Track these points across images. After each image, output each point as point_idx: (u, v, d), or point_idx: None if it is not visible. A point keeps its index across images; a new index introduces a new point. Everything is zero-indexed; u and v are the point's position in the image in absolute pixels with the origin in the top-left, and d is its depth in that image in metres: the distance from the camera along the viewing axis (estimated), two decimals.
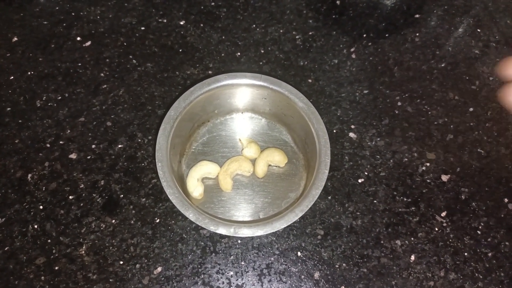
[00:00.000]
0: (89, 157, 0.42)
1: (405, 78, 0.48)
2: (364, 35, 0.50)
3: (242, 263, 0.39)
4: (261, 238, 0.40)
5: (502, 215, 0.41)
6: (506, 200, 0.42)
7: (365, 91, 0.47)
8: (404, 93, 0.47)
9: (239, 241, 0.40)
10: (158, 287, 0.37)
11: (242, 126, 0.44)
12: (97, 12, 0.51)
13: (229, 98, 0.42)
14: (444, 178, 0.43)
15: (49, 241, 0.39)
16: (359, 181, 0.42)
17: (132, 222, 0.40)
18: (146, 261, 0.38)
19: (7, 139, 0.43)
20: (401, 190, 0.42)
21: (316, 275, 0.38)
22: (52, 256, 0.38)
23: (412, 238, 0.40)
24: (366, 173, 0.43)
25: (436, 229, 0.40)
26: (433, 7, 0.53)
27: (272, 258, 0.39)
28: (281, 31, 0.50)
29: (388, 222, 0.41)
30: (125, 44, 0.49)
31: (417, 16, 0.52)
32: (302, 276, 0.38)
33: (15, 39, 0.49)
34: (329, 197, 0.42)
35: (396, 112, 0.46)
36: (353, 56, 0.49)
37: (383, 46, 0.50)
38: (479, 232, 0.41)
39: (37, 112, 0.44)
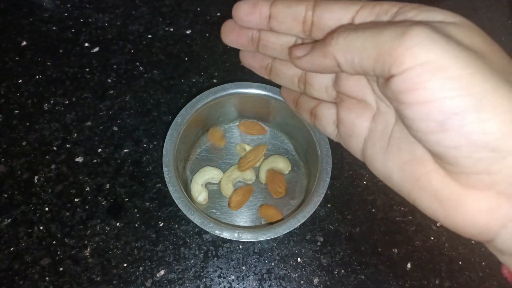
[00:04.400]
0: (95, 161, 0.43)
1: None
2: None
3: (243, 267, 0.40)
4: (262, 244, 0.41)
5: None
6: None
7: None
8: None
9: (240, 246, 0.40)
10: None
11: (245, 134, 0.45)
12: (105, 19, 0.52)
13: (234, 107, 0.43)
14: None
15: (54, 242, 0.39)
16: (358, 190, 0.44)
17: (136, 225, 0.41)
18: (149, 264, 0.39)
19: (14, 141, 0.44)
20: (399, 199, 0.43)
21: (315, 280, 0.39)
22: (57, 257, 0.39)
23: (409, 247, 0.41)
24: (365, 182, 0.44)
25: (432, 238, 0.42)
26: None
27: (272, 264, 0.40)
28: None
29: (385, 230, 0.42)
30: (132, 51, 0.50)
31: None
32: (302, 282, 0.39)
33: (24, 43, 0.50)
34: (329, 205, 0.43)
35: None
36: None
37: None
38: (473, 242, 0.42)
39: (44, 115, 0.45)
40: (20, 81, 0.47)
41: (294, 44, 0.25)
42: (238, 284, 0.39)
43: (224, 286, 0.39)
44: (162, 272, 0.39)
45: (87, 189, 0.42)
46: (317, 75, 0.25)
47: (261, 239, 0.35)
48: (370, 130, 0.22)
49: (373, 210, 0.43)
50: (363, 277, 0.40)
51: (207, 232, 0.40)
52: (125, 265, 0.39)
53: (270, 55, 0.27)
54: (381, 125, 0.21)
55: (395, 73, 0.16)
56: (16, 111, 0.45)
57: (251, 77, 0.49)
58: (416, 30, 0.16)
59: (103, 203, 0.41)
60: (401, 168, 0.20)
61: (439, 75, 0.15)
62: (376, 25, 0.18)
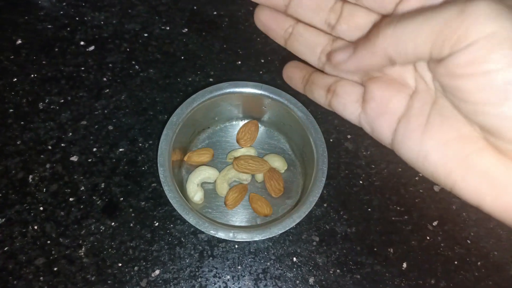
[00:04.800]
0: (90, 160, 0.43)
1: None
2: None
3: (239, 267, 0.40)
4: (258, 244, 0.41)
5: (491, 226, 0.43)
6: None
7: None
8: None
9: (236, 246, 0.40)
10: None
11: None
12: (101, 18, 0.51)
13: (230, 106, 0.43)
14: (436, 188, 0.44)
15: (48, 242, 0.39)
16: (354, 189, 0.44)
17: (132, 225, 0.40)
18: (144, 263, 0.39)
19: (9, 140, 0.43)
20: (395, 199, 0.43)
21: (311, 280, 0.39)
22: (51, 257, 0.39)
23: (405, 246, 0.41)
24: (361, 182, 0.44)
25: (428, 237, 0.42)
26: None
27: (268, 263, 0.40)
28: None
29: (381, 230, 0.42)
30: (128, 50, 0.50)
31: None
32: (297, 281, 0.39)
33: (19, 41, 0.49)
34: (325, 205, 0.43)
35: None
36: None
37: None
38: (469, 241, 0.42)
39: (39, 114, 0.45)
40: (15, 79, 0.47)
41: (330, 49, 0.23)
42: (233, 284, 0.39)
43: (220, 286, 0.39)
44: (157, 272, 0.39)
45: (82, 188, 0.42)
46: None
47: (256, 239, 0.35)
48: (407, 107, 0.21)
49: (369, 210, 0.43)
50: (358, 276, 0.40)
51: (202, 232, 0.40)
52: (120, 264, 0.39)
53: (299, 16, 0.24)
54: (420, 102, 0.20)
55: (458, 49, 0.16)
56: (11, 110, 0.45)
57: (247, 76, 0.49)
58: (477, 4, 0.16)
59: (98, 203, 0.41)
60: (444, 146, 0.19)
61: (504, 46, 0.15)
62: (423, 11, 0.17)
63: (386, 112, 0.21)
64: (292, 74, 0.26)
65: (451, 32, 0.16)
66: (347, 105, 0.23)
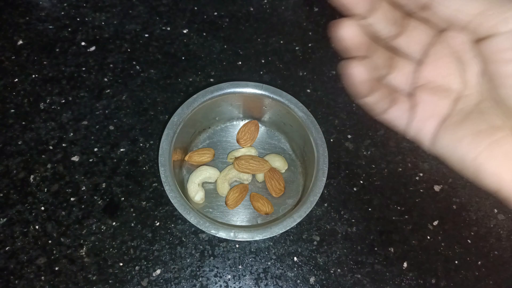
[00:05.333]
0: (91, 160, 0.43)
1: None
2: None
3: (240, 267, 0.40)
4: (259, 243, 0.41)
5: (492, 225, 0.43)
6: (495, 210, 0.44)
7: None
8: None
9: (237, 246, 0.40)
10: None
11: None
12: (102, 18, 0.52)
13: (230, 106, 0.43)
14: (437, 188, 0.44)
15: (50, 241, 0.39)
16: (355, 189, 0.44)
17: (133, 224, 0.41)
18: (145, 263, 0.39)
19: (10, 140, 0.44)
20: (395, 199, 0.43)
21: (312, 280, 0.39)
22: (52, 257, 0.39)
23: (405, 246, 0.41)
24: (361, 182, 0.44)
25: (428, 237, 0.42)
26: None
27: (269, 263, 0.40)
28: (281, 42, 0.51)
29: (382, 230, 0.42)
30: (129, 50, 0.50)
31: None
32: (298, 281, 0.39)
33: (20, 42, 0.49)
34: (325, 204, 0.43)
35: None
36: None
37: None
38: (469, 241, 0.42)
39: (40, 114, 0.45)
40: (16, 80, 0.47)
41: None
42: (234, 283, 0.39)
43: (221, 286, 0.39)
44: (158, 271, 0.39)
45: (83, 188, 0.42)
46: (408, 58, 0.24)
47: (257, 238, 0.35)
48: (450, 110, 0.22)
49: (370, 209, 0.43)
50: (359, 276, 0.40)
51: (203, 232, 0.40)
52: (121, 264, 0.39)
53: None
54: (462, 105, 0.22)
55: (497, 32, 0.17)
56: (12, 110, 0.45)
57: (247, 76, 0.49)
58: None
59: (99, 203, 0.41)
60: (475, 134, 0.20)
61: None
62: None
63: (433, 116, 0.23)
64: (360, 74, 0.24)
65: (498, 12, 0.17)
66: (404, 112, 0.25)
